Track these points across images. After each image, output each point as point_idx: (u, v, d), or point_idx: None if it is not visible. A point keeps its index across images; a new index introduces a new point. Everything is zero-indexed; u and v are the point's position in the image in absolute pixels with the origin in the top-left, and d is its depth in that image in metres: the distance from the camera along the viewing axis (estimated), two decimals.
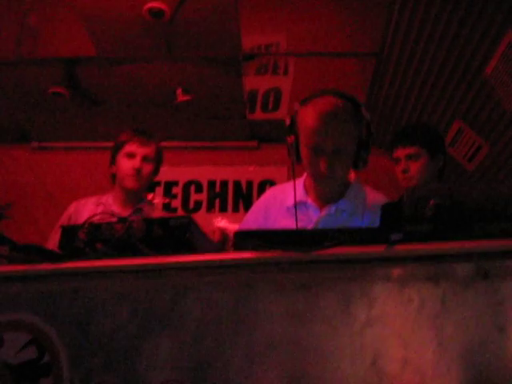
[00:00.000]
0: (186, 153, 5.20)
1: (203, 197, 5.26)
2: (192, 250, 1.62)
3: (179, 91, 4.42)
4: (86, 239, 1.73)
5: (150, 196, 3.52)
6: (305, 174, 2.38)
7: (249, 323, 1.45)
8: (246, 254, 1.52)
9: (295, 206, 2.17)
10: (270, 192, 2.55)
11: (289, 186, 2.39)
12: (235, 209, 5.20)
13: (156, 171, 3.15)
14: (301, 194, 2.32)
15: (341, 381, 1.37)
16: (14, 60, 4.16)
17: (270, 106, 4.79)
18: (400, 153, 2.90)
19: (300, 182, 2.37)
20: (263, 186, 5.20)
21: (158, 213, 3.25)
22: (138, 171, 3.03)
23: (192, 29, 3.77)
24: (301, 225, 2.17)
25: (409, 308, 1.39)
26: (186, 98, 4.44)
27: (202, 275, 1.52)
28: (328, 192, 2.29)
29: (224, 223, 2.22)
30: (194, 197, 5.26)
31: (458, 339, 1.36)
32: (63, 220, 3.02)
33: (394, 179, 4.88)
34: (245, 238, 1.55)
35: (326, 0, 3.77)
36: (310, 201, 2.32)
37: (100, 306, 1.57)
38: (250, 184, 5.24)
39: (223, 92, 4.49)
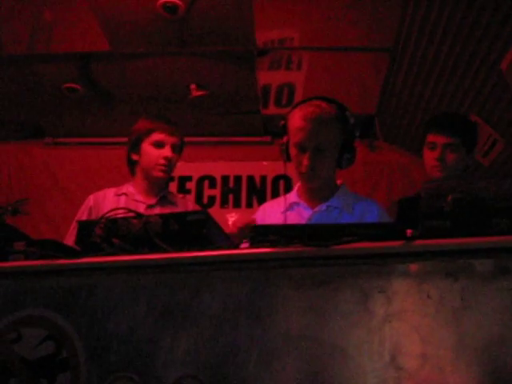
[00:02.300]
0: (200, 148, 5.18)
1: (217, 192, 5.25)
2: (209, 245, 1.61)
3: (193, 86, 4.42)
4: (102, 234, 1.73)
5: (181, 195, 3.45)
6: (298, 183, 2.56)
7: (267, 318, 1.45)
8: (264, 249, 1.52)
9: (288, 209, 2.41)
10: (263, 206, 2.71)
11: (279, 198, 2.67)
12: (249, 204, 5.18)
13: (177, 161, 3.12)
14: (293, 196, 2.52)
15: (359, 377, 1.37)
16: (29, 56, 4.17)
17: (284, 101, 4.78)
18: (439, 139, 2.77)
19: (293, 190, 2.58)
20: (277, 181, 5.19)
21: (191, 205, 3.22)
22: (169, 160, 2.96)
23: (206, 24, 3.76)
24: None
25: (428, 304, 1.38)
26: (199, 93, 4.44)
27: (220, 270, 1.52)
28: (318, 191, 2.45)
29: (239, 218, 2.24)
30: (207, 192, 5.26)
31: (478, 335, 1.36)
32: (82, 214, 2.94)
33: (407, 175, 4.92)
34: (262, 234, 1.54)
35: None
36: (302, 201, 2.48)
37: (117, 302, 1.57)
38: (263, 179, 5.23)
39: (237, 87, 4.48)
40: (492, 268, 1.38)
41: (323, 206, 2.42)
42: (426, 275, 1.40)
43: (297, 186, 2.56)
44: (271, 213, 2.53)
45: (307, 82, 4.57)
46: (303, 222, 2.38)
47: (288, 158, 2.42)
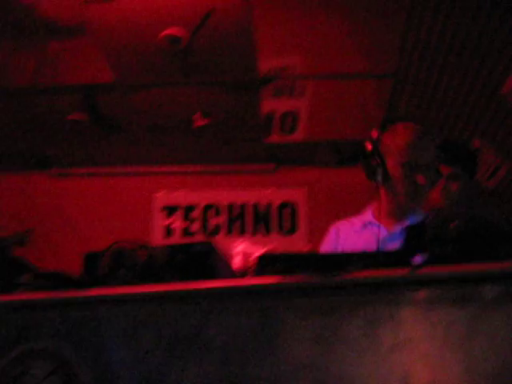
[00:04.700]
0: (204, 177, 5.21)
1: (222, 220, 5.25)
2: (214, 275, 1.61)
3: (197, 116, 4.45)
4: (109, 266, 1.73)
5: None
6: (374, 204, 2.50)
7: (274, 348, 1.44)
8: (269, 279, 1.51)
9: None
10: (335, 226, 2.60)
11: (353, 218, 2.56)
12: (254, 232, 5.19)
13: None
14: (368, 216, 2.47)
15: None
16: (34, 87, 4.21)
17: (287, 129, 4.79)
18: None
19: (368, 210, 2.52)
20: (282, 209, 5.20)
21: None
22: None
23: (208, 54, 3.80)
24: (368, 245, 2.29)
25: (436, 331, 1.37)
26: (203, 122, 4.47)
27: (226, 301, 1.52)
28: (398, 211, 2.39)
29: (244, 247, 2.23)
30: (213, 220, 5.26)
31: (486, 363, 1.34)
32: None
33: None
34: (268, 263, 1.54)
35: (341, 21, 3.79)
36: (377, 221, 2.41)
37: (124, 334, 1.57)
38: (268, 207, 5.24)
39: (240, 115, 4.50)
40: (499, 294, 1.37)
41: (399, 227, 2.34)
42: (433, 302, 1.39)
43: (372, 206, 2.52)
44: (344, 232, 2.50)
45: (311, 109, 4.59)
46: (378, 242, 2.30)
47: (386, 180, 2.35)
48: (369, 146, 2.38)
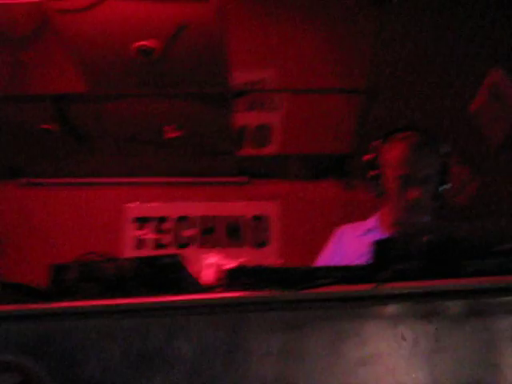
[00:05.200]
0: (176, 189, 5.19)
1: (194, 232, 5.24)
2: (181, 288, 1.61)
3: (169, 127, 4.44)
4: (76, 278, 1.72)
5: None
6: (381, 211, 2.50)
7: (241, 363, 1.44)
8: (236, 293, 1.51)
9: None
10: (339, 231, 2.62)
11: (357, 223, 2.59)
12: (228, 244, 5.18)
13: None
14: (372, 223, 2.50)
15: None
16: (4, 96, 4.17)
17: (260, 142, 4.80)
18: None
19: (373, 216, 2.54)
20: (254, 222, 5.20)
21: None
22: None
23: (181, 66, 3.79)
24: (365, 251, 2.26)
25: (402, 346, 1.38)
26: (175, 134, 4.46)
27: (193, 315, 1.51)
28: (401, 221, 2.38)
29: (215, 260, 2.22)
30: (185, 233, 5.24)
31: (452, 378, 1.35)
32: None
33: None
34: (236, 276, 1.54)
35: (314, 37, 3.81)
36: (379, 228, 2.44)
37: (91, 347, 1.55)
38: (241, 220, 5.23)
39: (213, 128, 4.50)
40: (465, 309, 1.39)
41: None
42: (399, 317, 1.40)
43: (379, 213, 2.53)
44: (347, 237, 2.51)
45: (284, 122, 4.61)
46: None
47: (382, 192, 2.38)
48: (369, 156, 2.40)
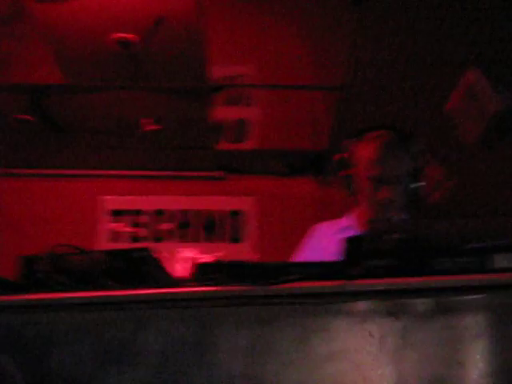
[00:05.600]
0: (153, 182, 5.18)
1: (170, 226, 5.23)
2: (151, 282, 1.61)
3: (145, 120, 4.43)
4: (47, 270, 1.71)
5: None
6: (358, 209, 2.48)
7: (209, 357, 1.44)
8: (206, 288, 1.51)
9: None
10: (315, 227, 2.61)
11: (333, 221, 2.57)
12: (204, 239, 5.17)
13: None
14: (349, 220, 2.48)
15: None
16: None
17: (237, 137, 4.81)
18: None
19: (351, 214, 2.51)
20: (230, 217, 5.20)
21: None
22: None
23: (159, 59, 3.79)
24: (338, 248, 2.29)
25: (370, 343, 1.39)
26: (152, 127, 4.45)
27: (163, 308, 1.51)
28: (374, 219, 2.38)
29: (187, 254, 2.23)
30: (160, 226, 5.23)
31: (418, 374, 1.37)
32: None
33: None
34: (206, 271, 1.55)
35: (293, 33, 3.83)
36: (355, 225, 2.44)
37: (61, 339, 1.55)
38: (217, 215, 5.23)
39: (190, 122, 4.50)
40: (432, 307, 1.40)
41: None
42: (367, 314, 1.41)
43: (356, 211, 2.52)
44: (323, 235, 2.50)
45: (262, 118, 4.62)
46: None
47: (354, 192, 2.39)
48: (342, 155, 2.39)
